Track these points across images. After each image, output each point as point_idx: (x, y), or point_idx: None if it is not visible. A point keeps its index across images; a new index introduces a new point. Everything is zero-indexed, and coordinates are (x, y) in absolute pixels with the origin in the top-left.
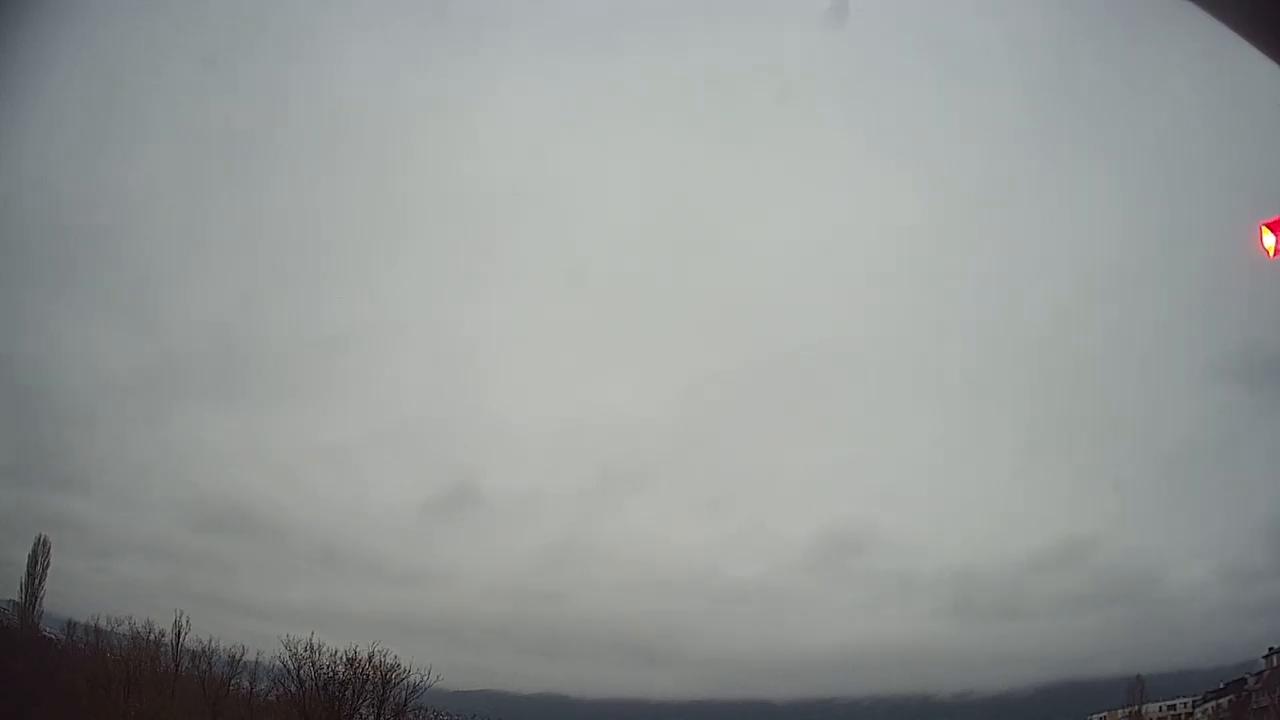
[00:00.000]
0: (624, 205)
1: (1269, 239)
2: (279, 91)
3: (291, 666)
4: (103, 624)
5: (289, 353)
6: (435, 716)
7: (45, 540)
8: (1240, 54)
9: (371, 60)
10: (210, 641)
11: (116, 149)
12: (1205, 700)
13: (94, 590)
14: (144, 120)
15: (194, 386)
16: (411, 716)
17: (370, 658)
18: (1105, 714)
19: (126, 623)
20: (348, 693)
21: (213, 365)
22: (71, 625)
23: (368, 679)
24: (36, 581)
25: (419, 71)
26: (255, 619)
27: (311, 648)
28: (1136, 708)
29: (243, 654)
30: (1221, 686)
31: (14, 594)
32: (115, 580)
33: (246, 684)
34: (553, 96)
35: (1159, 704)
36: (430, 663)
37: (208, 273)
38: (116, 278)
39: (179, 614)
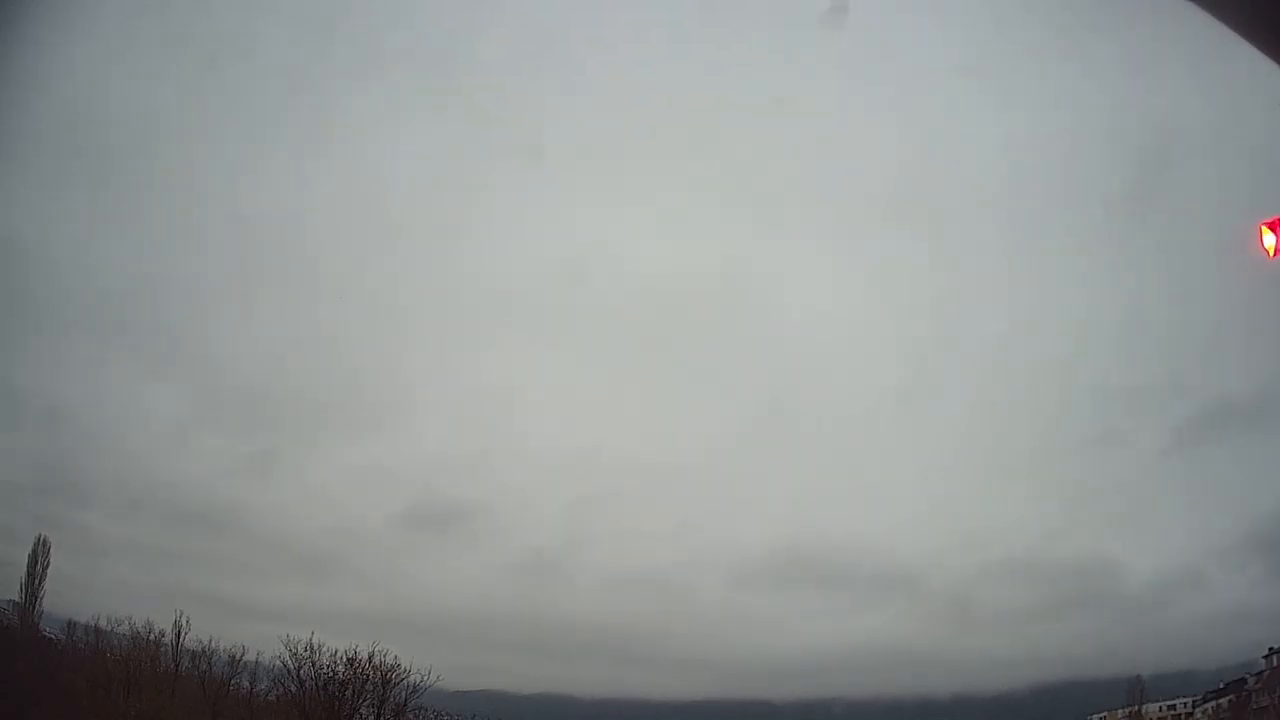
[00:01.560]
0: (643, 267)
1: (1269, 239)
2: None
3: (291, 666)
4: (103, 624)
5: (314, 393)
6: (435, 716)
7: (45, 540)
8: (1240, 54)
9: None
10: (210, 641)
11: (146, 214)
12: (1205, 700)
13: (94, 590)
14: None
15: (221, 422)
16: (411, 716)
17: (370, 658)
18: (1105, 714)
19: (126, 623)
20: (348, 693)
21: (242, 404)
22: (71, 625)
23: (368, 679)
24: (36, 581)
25: (448, 133)
26: (256, 620)
27: (311, 648)
28: (1136, 708)
29: (243, 654)
30: (1221, 686)
31: (14, 594)
32: (115, 580)
33: (246, 684)
34: (578, 164)
35: (1159, 704)
36: (430, 663)
37: (241, 319)
38: (145, 325)
39: (179, 614)
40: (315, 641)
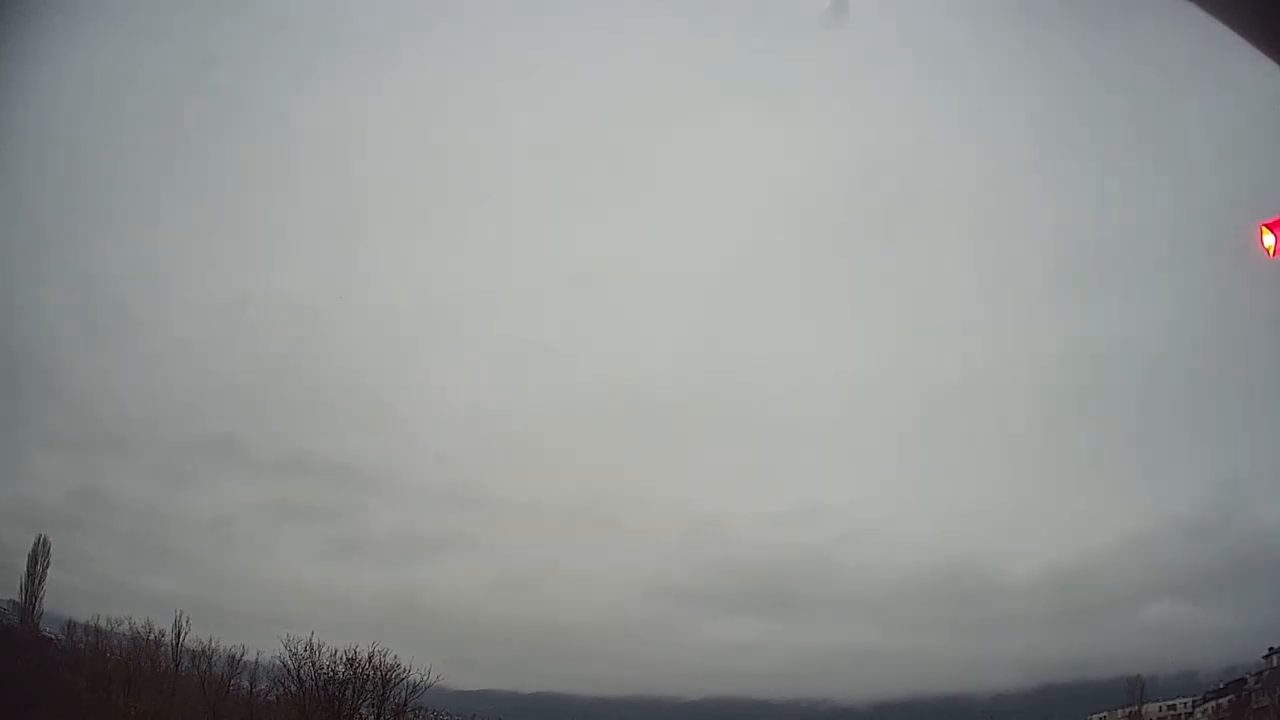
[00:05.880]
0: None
1: (1269, 239)
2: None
3: (291, 666)
4: (103, 624)
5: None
6: (435, 716)
7: (45, 540)
8: (1240, 54)
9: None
10: (210, 641)
11: None
12: (1205, 700)
13: (94, 590)
14: None
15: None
16: (411, 716)
17: (370, 658)
18: (1105, 714)
19: (126, 623)
20: (348, 693)
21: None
22: (71, 625)
23: (368, 679)
24: (36, 581)
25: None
26: (256, 619)
27: (311, 648)
28: (1136, 708)
29: (243, 654)
30: (1221, 686)
31: (14, 594)
32: (115, 580)
33: (246, 684)
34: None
35: (1159, 704)
36: (430, 663)
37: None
38: None
39: (179, 614)
40: (315, 641)
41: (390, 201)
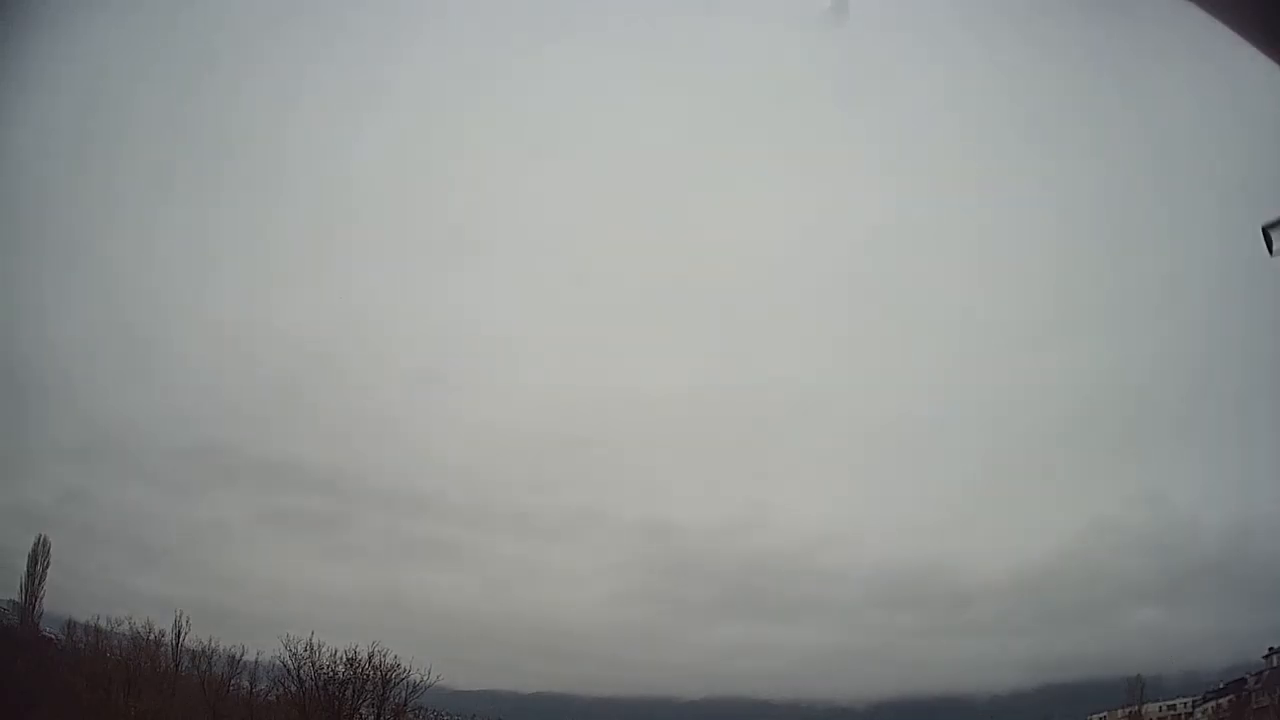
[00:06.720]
0: None
1: (1270, 239)
2: None
3: (291, 666)
4: (103, 624)
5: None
6: (435, 716)
7: (45, 540)
8: (1240, 54)
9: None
10: (210, 641)
11: None
12: (1205, 700)
13: (94, 590)
14: None
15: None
16: (411, 716)
17: (370, 658)
18: (1105, 714)
19: (126, 623)
20: (348, 693)
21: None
22: (71, 625)
23: (368, 679)
24: (36, 581)
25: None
26: (256, 619)
27: (311, 648)
28: (1136, 708)
29: (243, 654)
30: (1221, 686)
31: (14, 594)
32: (115, 580)
33: (246, 684)
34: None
35: (1159, 704)
36: (430, 663)
37: None
38: None
39: (179, 614)
40: (315, 641)
41: (388, 211)
